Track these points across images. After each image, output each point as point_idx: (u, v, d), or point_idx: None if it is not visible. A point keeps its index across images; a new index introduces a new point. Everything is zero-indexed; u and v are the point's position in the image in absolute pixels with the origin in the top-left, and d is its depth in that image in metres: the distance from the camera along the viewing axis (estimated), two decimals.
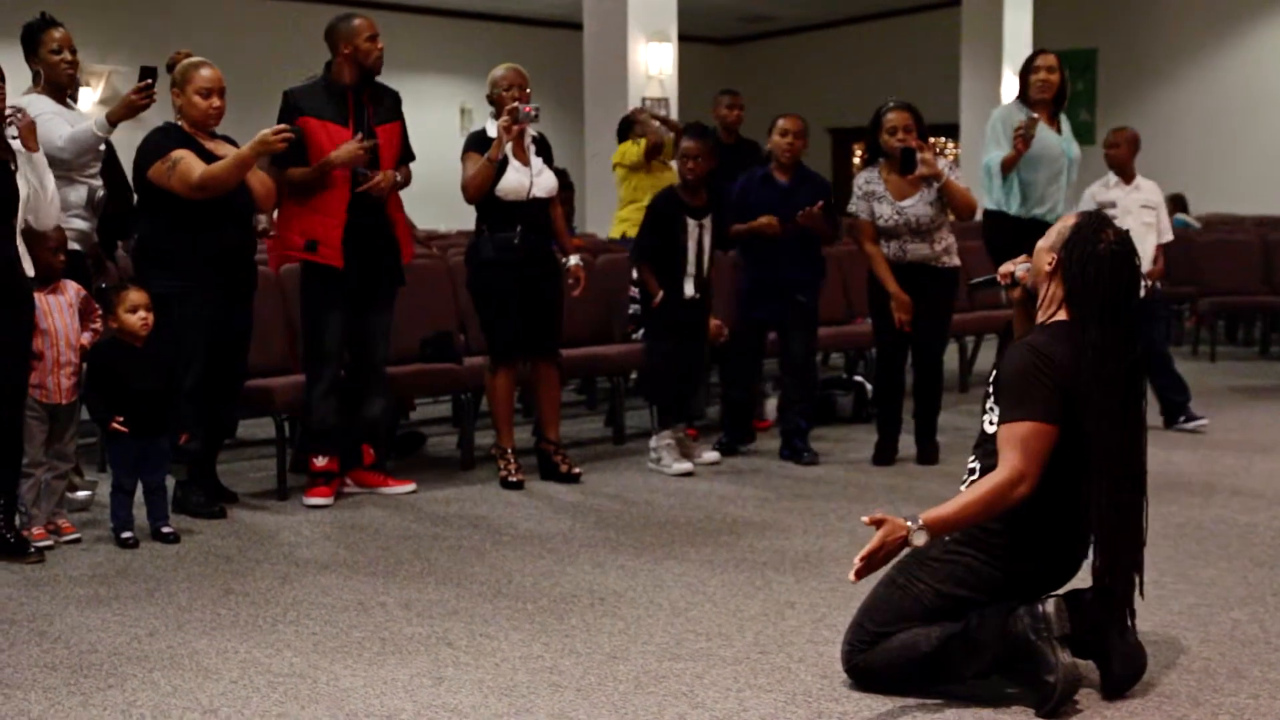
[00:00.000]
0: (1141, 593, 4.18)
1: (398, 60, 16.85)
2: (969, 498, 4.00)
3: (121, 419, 5.97)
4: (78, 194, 6.56)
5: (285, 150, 6.68)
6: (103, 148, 6.68)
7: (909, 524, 3.91)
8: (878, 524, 3.93)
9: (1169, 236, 9.14)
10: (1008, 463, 3.98)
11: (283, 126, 6.39)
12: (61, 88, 6.67)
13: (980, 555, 4.10)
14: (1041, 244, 4.26)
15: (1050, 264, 4.17)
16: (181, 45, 7.13)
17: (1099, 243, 4.09)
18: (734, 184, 8.06)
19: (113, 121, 6.39)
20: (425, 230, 11.98)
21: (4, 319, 5.65)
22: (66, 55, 6.62)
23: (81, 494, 6.78)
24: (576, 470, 7.46)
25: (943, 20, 19.61)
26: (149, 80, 6.28)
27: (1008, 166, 7.91)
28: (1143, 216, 8.91)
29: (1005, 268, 4.46)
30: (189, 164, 6.31)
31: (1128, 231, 4.24)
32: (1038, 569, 4.11)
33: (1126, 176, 9.04)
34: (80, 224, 6.59)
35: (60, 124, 6.36)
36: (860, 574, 3.91)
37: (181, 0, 17.74)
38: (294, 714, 4.05)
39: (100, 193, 6.77)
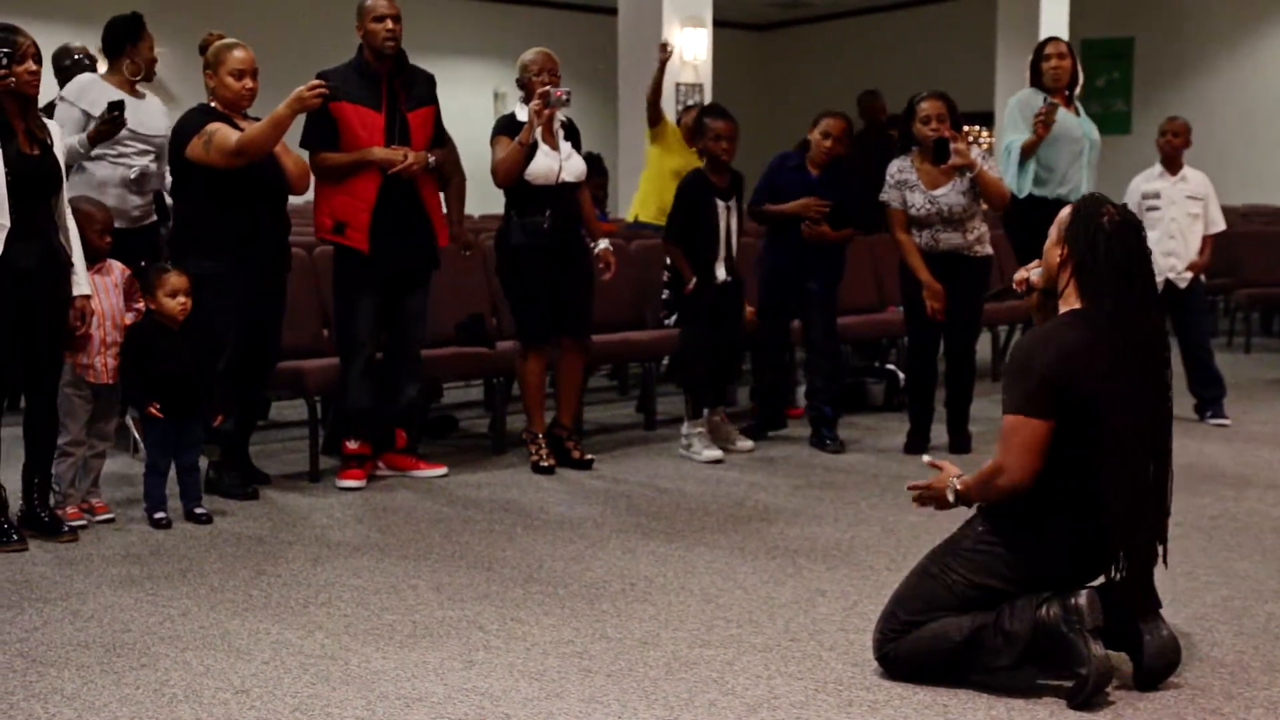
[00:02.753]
0: (1165, 560, 4.16)
1: (431, 44, 16.81)
2: (973, 478, 4.16)
3: (157, 404, 6.00)
4: (105, 171, 6.72)
5: (316, 133, 6.72)
6: (159, 135, 6.99)
7: (953, 480, 4.21)
8: (936, 467, 4.33)
9: (1220, 226, 9.07)
10: (995, 455, 4.10)
11: (317, 82, 6.39)
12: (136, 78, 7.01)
13: (1013, 544, 4.09)
14: (1048, 242, 4.26)
15: (1060, 255, 4.16)
16: (219, 26, 7.18)
17: (1100, 218, 4.09)
18: (770, 164, 8.13)
19: (91, 140, 6.64)
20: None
21: (44, 299, 5.68)
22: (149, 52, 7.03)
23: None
24: (589, 457, 7.45)
25: (979, 7, 19.50)
26: (116, 113, 6.52)
27: (1028, 151, 7.92)
28: (1188, 208, 8.85)
29: (1019, 275, 4.49)
30: (224, 133, 6.33)
31: (1124, 205, 4.25)
32: (1071, 560, 4.09)
33: (1174, 167, 8.97)
34: (112, 202, 6.68)
35: (64, 133, 6.51)
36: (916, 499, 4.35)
37: None
38: (325, 695, 4.06)
39: (134, 173, 6.88)
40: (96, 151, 6.69)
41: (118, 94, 6.72)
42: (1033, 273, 4.39)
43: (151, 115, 7.02)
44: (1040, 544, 4.07)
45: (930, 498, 4.28)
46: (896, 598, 4.22)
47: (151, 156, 7.01)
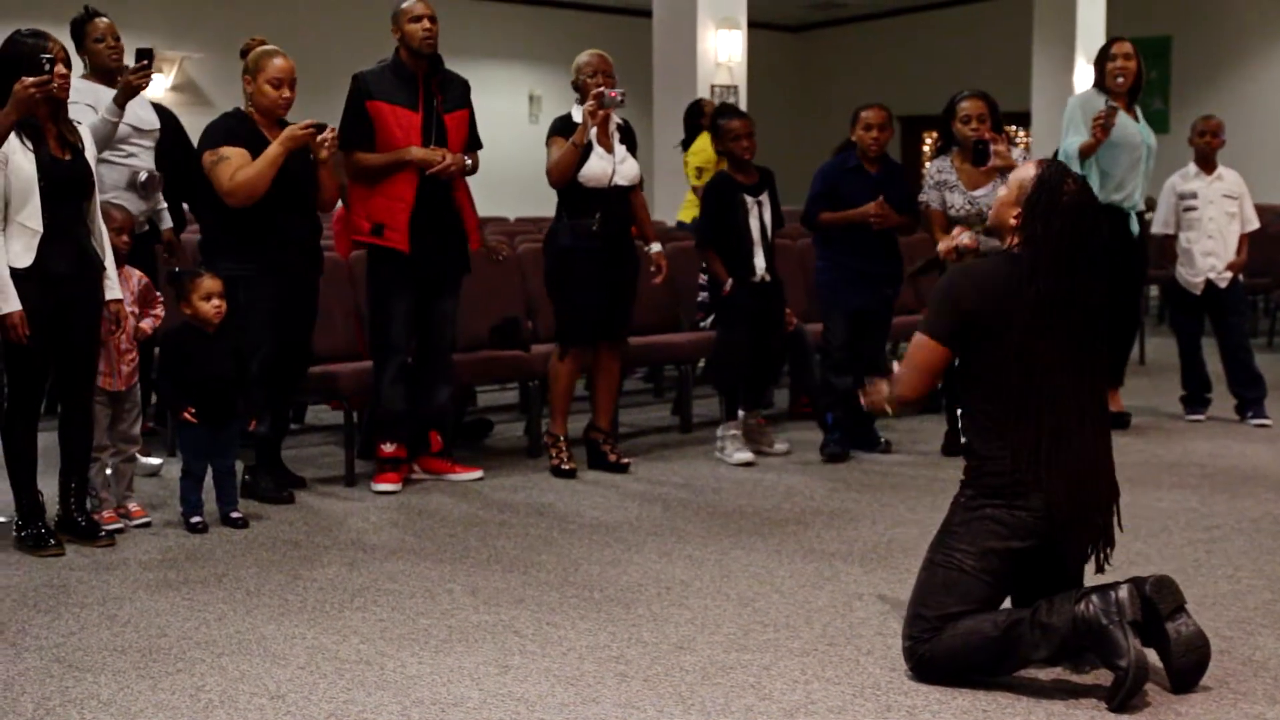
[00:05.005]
0: (1120, 525, 4.25)
1: (466, 47, 16.81)
2: (891, 382, 4.43)
3: (193, 409, 6.00)
4: (115, 175, 6.71)
5: (353, 133, 6.73)
6: (155, 129, 7.04)
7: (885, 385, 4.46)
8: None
9: (1255, 225, 8.99)
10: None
11: (309, 121, 6.44)
12: (110, 72, 6.92)
13: (995, 501, 4.13)
14: (1004, 196, 4.31)
15: (1016, 218, 4.21)
16: (251, 31, 7.20)
17: (1063, 194, 4.14)
18: (822, 171, 7.97)
19: (119, 104, 6.58)
20: (490, 216, 11.96)
21: (77, 303, 5.69)
22: (110, 42, 6.97)
23: (154, 460, 7.01)
24: (625, 460, 7.44)
25: (1015, 7, 19.43)
26: (145, 61, 6.43)
27: (1086, 154, 7.84)
28: (1225, 206, 8.79)
29: (943, 246, 4.54)
30: (227, 166, 6.39)
31: (1084, 177, 4.29)
32: (1050, 501, 4.10)
33: (1209, 167, 8.90)
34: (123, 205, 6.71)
35: (86, 114, 6.44)
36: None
37: None
38: (360, 700, 4.05)
39: (143, 175, 6.92)
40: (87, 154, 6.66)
41: (105, 91, 6.67)
42: (961, 238, 4.44)
43: (145, 108, 7.01)
44: (1014, 491, 4.11)
45: (875, 400, 4.48)
46: (915, 599, 4.21)
47: (152, 154, 7.02)
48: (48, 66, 5.49)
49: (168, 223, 7.39)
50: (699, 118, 10.75)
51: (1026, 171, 4.24)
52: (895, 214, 7.60)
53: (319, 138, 6.46)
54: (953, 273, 4.32)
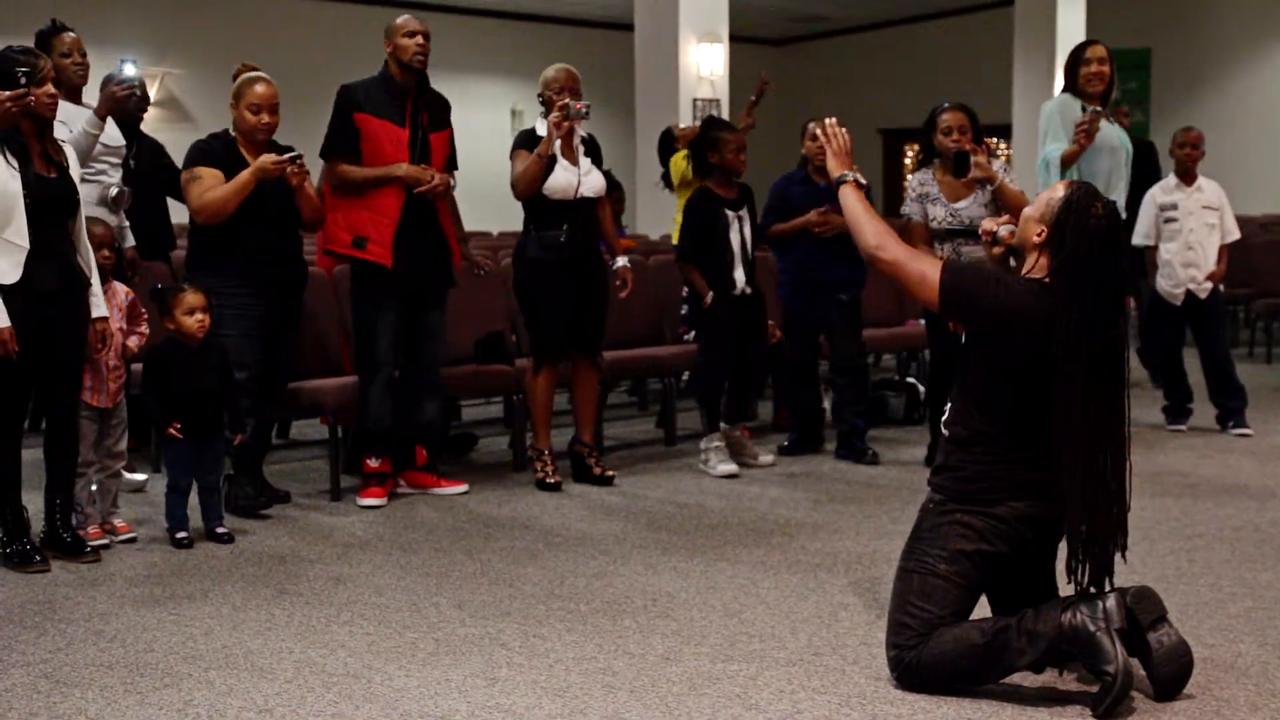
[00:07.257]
0: (1124, 556, 4.20)
1: (448, 61, 16.81)
2: (867, 210, 4.47)
3: (178, 424, 6.01)
4: (86, 191, 6.71)
5: (338, 143, 6.77)
6: (121, 145, 7.09)
7: (852, 173, 4.61)
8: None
9: (1235, 235, 9.03)
10: (913, 260, 4.29)
11: (284, 158, 6.51)
12: (75, 89, 6.91)
13: (967, 506, 4.16)
14: (1030, 212, 4.26)
15: (1040, 235, 4.18)
16: (232, 47, 7.24)
17: (1090, 218, 4.09)
18: (774, 185, 8.13)
19: (100, 116, 6.67)
20: (473, 231, 11.99)
21: (62, 320, 5.69)
22: (76, 58, 6.93)
23: (139, 475, 7.01)
24: (610, 473, 7.45)
25: (995, 20, 19.52)
26: (125, 81, 6.59)
27: (1070, 160, 7.86)
28: (1205, 218, 8.83)
29: (986, 225, 4.50)
30: (198, 186, 6.53)
31: (1114, 201, 4.25)
32: (1022, 507, 4.14)
33: (1189, 179, 8.95)
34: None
35: (60, 131, 6.44)
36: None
37: (234, 4, 17.84)
38: (348, 714, 4.06)
39: (114, 190, 6.93)
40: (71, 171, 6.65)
41: (71, 108, 6.67)
42: (1002, 228, 4.41)
43: (111, 124, 6.98)
44: (987, 498, 4.14)
45: (842, 147, 4.69)
46: (895, 609, 4.22)
47: (120, 171, 7.02)
48: (24, 80, 5.50)
49: (130, 240, 7.38)
50: (671, 143, 10.83)
51: (1055, 191, 4.21)
52: (840, 220, 7.67)
53: (290, 168, 6.53)
54: (990, 272, 4.28)
